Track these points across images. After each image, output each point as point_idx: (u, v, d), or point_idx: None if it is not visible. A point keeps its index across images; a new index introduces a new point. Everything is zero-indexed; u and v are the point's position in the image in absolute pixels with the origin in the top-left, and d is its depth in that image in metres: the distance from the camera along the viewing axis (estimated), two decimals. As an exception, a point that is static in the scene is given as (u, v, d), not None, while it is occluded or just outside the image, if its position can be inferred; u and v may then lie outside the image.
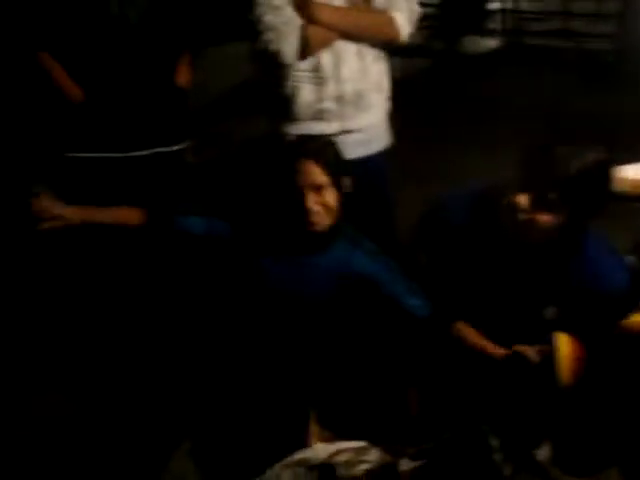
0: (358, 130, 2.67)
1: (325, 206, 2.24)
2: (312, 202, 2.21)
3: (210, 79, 4.35)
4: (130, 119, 2.87)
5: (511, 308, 2.31)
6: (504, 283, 2.30)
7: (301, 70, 2.56)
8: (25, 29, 2.78)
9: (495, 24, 8.81)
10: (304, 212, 2.21)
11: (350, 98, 2.61)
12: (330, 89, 2.59)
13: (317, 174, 2.22)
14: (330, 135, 2.60)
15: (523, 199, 2.12)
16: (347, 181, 2.31)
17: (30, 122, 3.16)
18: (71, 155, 2.91)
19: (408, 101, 2.90)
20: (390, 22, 2.60)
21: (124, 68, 2.83)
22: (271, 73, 2.59)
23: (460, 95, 6.04)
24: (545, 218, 2.13)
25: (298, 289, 2.34)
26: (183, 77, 2.98)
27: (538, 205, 2.12)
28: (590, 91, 6.01)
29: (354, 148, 2.64)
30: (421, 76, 6.79)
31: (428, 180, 3.82)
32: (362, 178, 2.61)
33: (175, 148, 3.01)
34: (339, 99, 2.60)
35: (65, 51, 2.79)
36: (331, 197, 2.24)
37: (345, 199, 2.30)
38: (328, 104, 2.60)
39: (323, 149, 2.28)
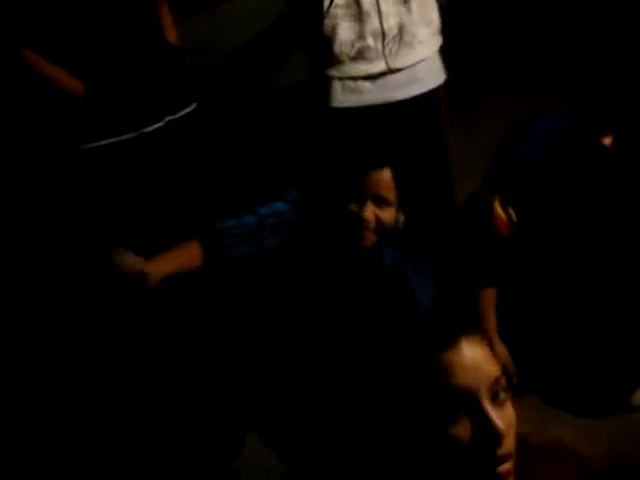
0: (405, 68, 2.44)
1: (380, 222, 1.96)
2: (369, 212, 1.94)
3: (226, 35, 4.13)
4: (133, 94, 2.60)
5: (602, 258, 2.08)
6: (593, 228, 2.08)
7: (338, 5, 2.33)
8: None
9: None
10: (359, 219, 1.94)
11: (394, 34, 2.39)
12: (371, 25, 2.36)
13: (385, 186, 1.95)
14: (374, 75, 2.40)
15: (608, 140, 1.94)
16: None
17: (32, 122, 2.90)
18: (84, 147, 2.67)
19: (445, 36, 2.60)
20: None
21: (111, 42, 2.56)
22: (307, 11, 2.37)
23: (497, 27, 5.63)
24: None
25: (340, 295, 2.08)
26: (171, 34, 2.72)
27: (623, 146, 1.94)
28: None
29: (402, 88, 2.44)
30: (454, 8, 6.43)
31: (477, 122, 3.56)
32: (413, 119, 2.46)
33: (185, 111, 2.75)
34: (381, 36, 2.38)
35: (45, 41, 2.51)
36: (389, 216, 1.97)
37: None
38: (370, 42, 2.38)
39: (402, 164, 2.00)
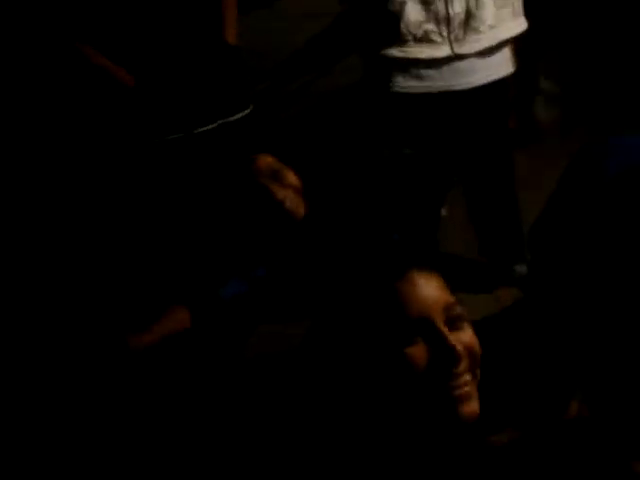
0: (471, 55, 2.31)
1: (292, 188, 2.01)
2: (280, 194, 1.99)
3: (279, 33, 4.05)
4: (185, 93, 2.52)
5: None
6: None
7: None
8: (52, 20, 2.47)
9: None
10: (278, 207, 2.00)
11: (460, 19, 2.26)
12: (436, 8, 2.25)
13: (268, 160, 2.02)
14: (439, 60, 2.29)
15: None
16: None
17: (79, 118, 2.84)
18: (129, 144, 2.57)
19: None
20: None
21: (166, 40, 2.48)
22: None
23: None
24: None
25: None
26: (231, 33, 2.60)
27: None
28: None
29: (466, 76, 2.31)
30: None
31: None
32: (478, 111, 2.34)
33: (240, 115, 2.61)
34: (446, 20, 2.26)
35: (100, 36, 2.48)
36: (292, 177, 2.02)
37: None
38: (435, 25, 2.26)
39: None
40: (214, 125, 2.53)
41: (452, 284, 2.18)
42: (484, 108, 2.35)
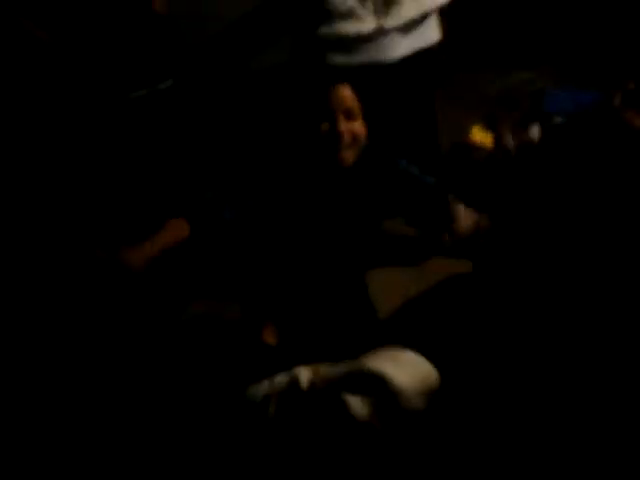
0: (397, 27, 2.35)
1: (355, 135, 2.02)
2: (343, 126, 1.99)
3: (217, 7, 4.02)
4: (112, 60, 2.53)
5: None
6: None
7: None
8: None
9: None
10: (335, 136, 2.00)
11: None
12: None
13: (350, 99, 2.02)
14: (366, 35, 2.33)
15: (617, 98, 1.92)
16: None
17: None
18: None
19: None
20: None
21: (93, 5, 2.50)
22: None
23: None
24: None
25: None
26: (159, 1, 2.60)
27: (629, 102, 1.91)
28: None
29: (393, 47, 2.36)
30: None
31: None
32: (405, 80, 2.41)
33: (163, 86, 2.63)
34: None
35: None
36: (359, 127, 2.03)
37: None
38: (358, 0, 2.30)
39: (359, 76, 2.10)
40: (142, 92, 2.55)
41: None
42: (411, 74, 2.40)
